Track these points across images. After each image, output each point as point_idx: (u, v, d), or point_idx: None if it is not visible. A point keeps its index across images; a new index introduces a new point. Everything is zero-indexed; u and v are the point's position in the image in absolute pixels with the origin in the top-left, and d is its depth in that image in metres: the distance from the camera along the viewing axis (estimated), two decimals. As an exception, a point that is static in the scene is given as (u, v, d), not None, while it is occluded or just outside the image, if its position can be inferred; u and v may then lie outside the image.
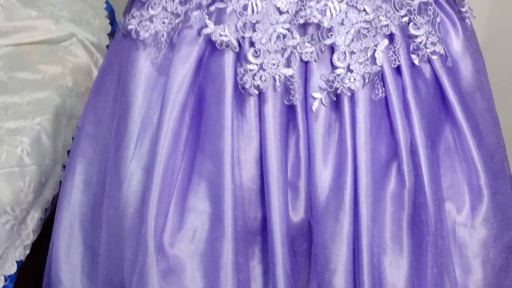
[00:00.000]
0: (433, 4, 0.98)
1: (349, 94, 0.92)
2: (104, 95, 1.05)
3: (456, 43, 1.03)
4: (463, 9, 1.05)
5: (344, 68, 0.92)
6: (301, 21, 0.92)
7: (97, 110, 1.06)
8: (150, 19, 0.97)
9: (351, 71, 0.92)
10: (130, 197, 0.96)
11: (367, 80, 0.92)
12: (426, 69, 0.99)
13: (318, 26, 0.93)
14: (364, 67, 0.92)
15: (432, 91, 1.00)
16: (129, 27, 0.97)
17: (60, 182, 1.35)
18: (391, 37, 0.95)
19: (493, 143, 1.04)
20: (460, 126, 0.99)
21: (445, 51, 0.99)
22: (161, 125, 0.93)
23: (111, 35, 1.78)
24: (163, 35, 0.96)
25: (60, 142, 1.36)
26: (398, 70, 0.96)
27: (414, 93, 0.96)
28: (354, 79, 0.92)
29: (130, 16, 0.98)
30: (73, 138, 1.43)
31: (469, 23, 1.07)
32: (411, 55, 0.96)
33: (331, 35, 0.92)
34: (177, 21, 0.95)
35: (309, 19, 0.92)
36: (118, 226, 0.98)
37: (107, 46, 1.70)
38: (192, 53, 0.93)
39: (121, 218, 0.97)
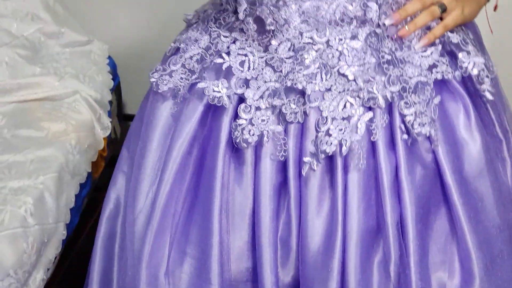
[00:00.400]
0: (432, 85, 0.96)
1: (323, 156, 0.93)
2: (135, 139, 1.10)
3: (465, 127, 0.98)
4: (482, 86, 1.00)
5: (323, 132, 0.94)
6: (288, 83, 0.95)
7: (130, 151, 1.12)
8: (170, 74, 1.02)
9: (330, 135, 0.93)
10: (137, 238, 1.01)
11: (344, 147, 0.93)
12: (424, 146, 0.97)
13: None
14: (343, 133, 0.93)
15: (429, 172, 0.97)
16: (151, 80, 1.03)
17: (63, 241, 1.35)
18: (386, 110, 0.95)
19: (495, 225, 0.99)
20: (456, 211, 0.96)
21: (433, 134, 0.95)
22: (163, 171, 0.99)
23: (113, 90, 1.80)
24: (180, 90, 1.01)
25: (62, 201, 1.36)
26: (393, 145, 0.96)
27: (407, 173, 0.95)
28: (331, 143, 0.93)
29: (155, 69, 1.04)
30: (75, 195, 1.44)
31: (490, 90, 1.00)
32: (402, 134, 0.96)
33: (317, 99, 0.94)
34: (193, 77, 1.00)
35: (295, 84, 0.94)
36: (128, 265, 1.02)
37: (110, 102, 1.72)
38: (198, 107, 0.99)
39: (129, 258, 1.01)
